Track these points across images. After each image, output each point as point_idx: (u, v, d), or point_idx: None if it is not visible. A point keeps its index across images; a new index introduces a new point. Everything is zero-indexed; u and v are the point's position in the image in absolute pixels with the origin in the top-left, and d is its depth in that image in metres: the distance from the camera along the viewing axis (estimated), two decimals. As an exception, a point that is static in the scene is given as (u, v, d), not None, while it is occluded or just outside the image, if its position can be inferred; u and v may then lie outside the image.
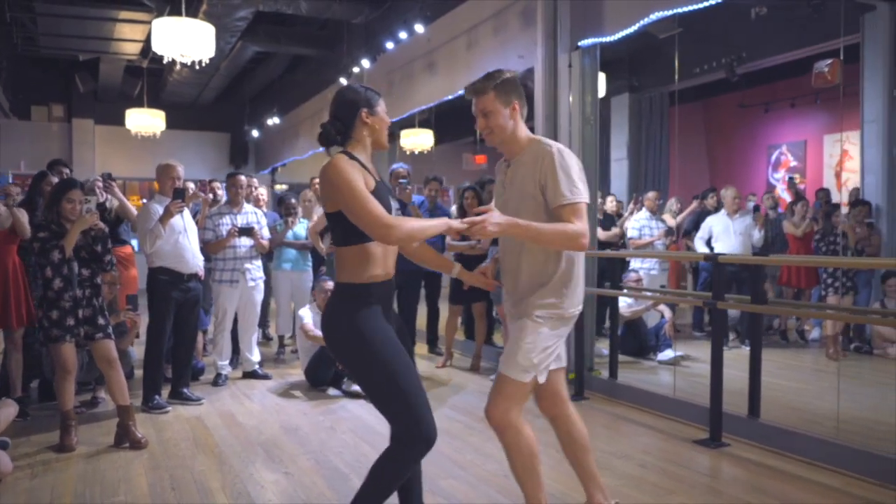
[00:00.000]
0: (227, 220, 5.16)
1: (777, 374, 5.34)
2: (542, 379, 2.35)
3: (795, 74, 7.00)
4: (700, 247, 6.46)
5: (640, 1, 4.47)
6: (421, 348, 6.25)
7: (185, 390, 4.68)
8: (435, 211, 5.84)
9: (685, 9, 4.16)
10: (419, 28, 6.92)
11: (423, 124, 9.38)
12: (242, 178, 5.35)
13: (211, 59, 7.26)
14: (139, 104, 10.65)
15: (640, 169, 8.83)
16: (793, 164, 8.64)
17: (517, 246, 2.39)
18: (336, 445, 3.77)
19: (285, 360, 6.16)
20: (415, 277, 5.67)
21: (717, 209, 6.75)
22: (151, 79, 11.24)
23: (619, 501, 2.78)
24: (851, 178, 6.83)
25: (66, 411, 3.73)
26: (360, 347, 2.11)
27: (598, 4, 4.84)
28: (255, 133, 12.55)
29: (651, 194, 6.84)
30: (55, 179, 4.60)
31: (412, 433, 2.09)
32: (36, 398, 4.72)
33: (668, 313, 5.91)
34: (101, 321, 3.78)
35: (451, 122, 9.35)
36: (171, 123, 10.37)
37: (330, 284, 5.28)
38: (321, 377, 5.03)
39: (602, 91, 6.88)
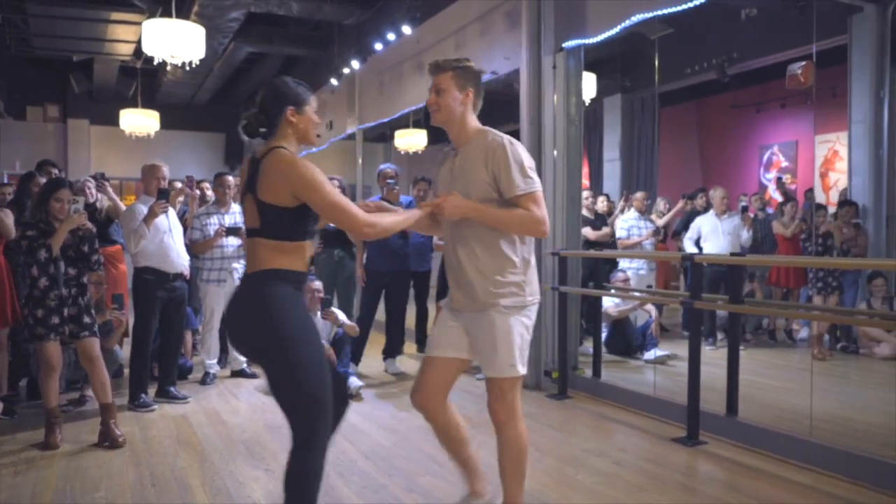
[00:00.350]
0: (214, 219, 5.20)
1: (762, 374, 5.39)
2: (523, 371, 2.40)
3: (786, 75, 7.03)
4: (689, 247, 6.48)
5: (622, 3, 4.51)
6: (410, 347, 6.28)
7: (172, 389, 4.72)
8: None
9: (666, 11, 4.19)
10: (407, 30, 6.96)
11: (417, 125, 9.41)
12: (230, 177, 5.39)
13: (205, 60, 7.31)
14: (134, 105, 10.70)
15: (632, 169, 8.86)
16: (784, 164, 8.66)
17: (458, 238, 2.41)
18: (318, 443, 3.80)
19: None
20: (404, 277, 5.71)
21: (706, 209, 6.78)
22: (146, 79, 11.29)
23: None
24: (842, 179, 6.85)
25: (51, 409, 3.77)
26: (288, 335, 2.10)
27: (581, 6, 4.87)
28: (249, 133, 12.60)
29: (639, 194, 6.88)
30: (43, 180, 4.64)
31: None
32: (24, 397, 4.75)
33: (654, 313, 5.94)
34: (86, 320, 3.81)
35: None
36: (165, 124, 10.41)
37: (317, 284, 5.31)
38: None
39: (593, 91, 6.92)
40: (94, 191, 5.19)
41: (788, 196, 7.23)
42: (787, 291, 6.60)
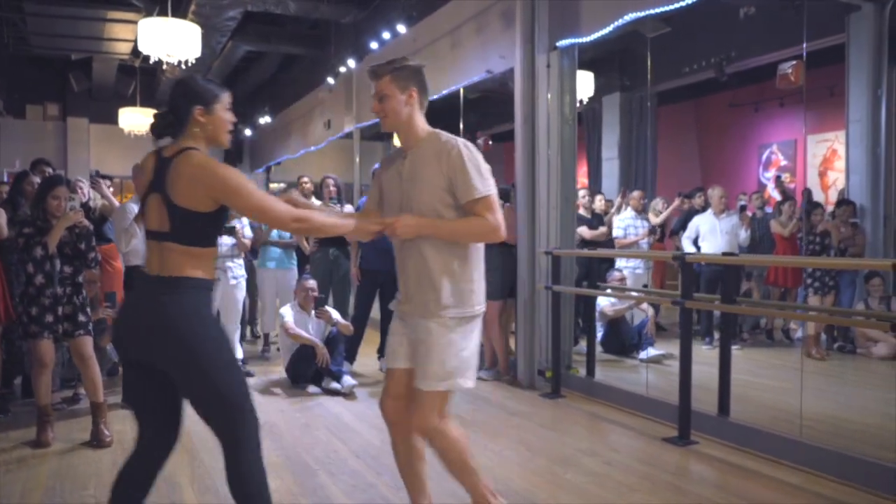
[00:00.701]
0: (209, 218, 5.19)
1: (759, 374, 5.37)
2: (469, 384, 2.30)
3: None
4: (687, 246, 6.47)
5: (615, 2, 4.50)
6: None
7: (166, 387, 4.70)
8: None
9: (659, 10, 4.18)
10: (403, 29, 6.95)
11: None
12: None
13: (203, 59, 7.32)
14: (133, 103, 10.72)
15: (630, 168, 8.84)
16: (783, 163, 8.63)
17: (406, 244, 2.32)
18: (309, 442, 3.80)
19: (270, 357, 6.20)
20: (395, 279, 5.69)
21: (704, 208, 6.76)
22: (145, 78, 11.31)
23: None
24: (840, 178, 6.83)
25: (43, 406, 3.77)
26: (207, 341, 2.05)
27: (574, 5, 4.87)
28: (248, 132, 12.60)
29: (636, 193, 6.85)
30: (37, 179, 4.63)
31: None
32: (19, 395, 4.75)
33: (650, 312, 5.93)
34: (81, 318, 3.81)
35: (438, 120, 9.35)
36: (165, 123, 10.41)
37: (312, 283, 5.32)
38: (302, 374, 5.06)
39: (591, 90, 6.90)
40: (86, 190, 5.19)
41: (787, 195, 7.20)
42: (784, 291, 6.58)
